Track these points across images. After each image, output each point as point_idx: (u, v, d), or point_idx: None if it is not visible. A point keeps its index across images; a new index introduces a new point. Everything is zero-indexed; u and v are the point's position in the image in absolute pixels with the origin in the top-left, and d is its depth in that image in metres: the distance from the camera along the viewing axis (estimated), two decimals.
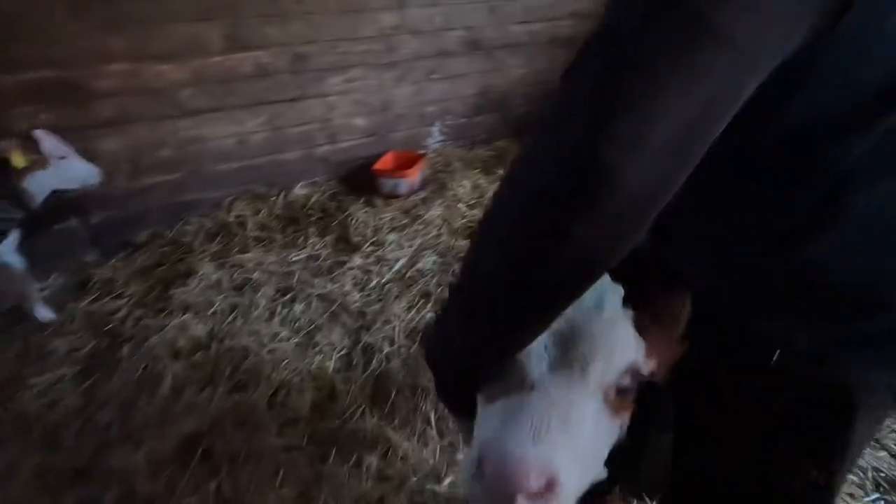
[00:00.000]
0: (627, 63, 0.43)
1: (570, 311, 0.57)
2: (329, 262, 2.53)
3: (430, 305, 2.17)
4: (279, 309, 2.15)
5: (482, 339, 0.57)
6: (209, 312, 2.13)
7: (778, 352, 0.59)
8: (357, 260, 2.48)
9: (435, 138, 3.80)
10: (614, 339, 0.61)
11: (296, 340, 1.98)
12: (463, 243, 2.64)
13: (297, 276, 2.37)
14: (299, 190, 3.27)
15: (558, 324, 0.59)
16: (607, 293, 0.63)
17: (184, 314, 2.11)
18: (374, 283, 2.34)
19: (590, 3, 3.94)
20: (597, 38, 0.48)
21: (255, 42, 2.91)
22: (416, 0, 3.33)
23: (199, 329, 2.01)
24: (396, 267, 2.44)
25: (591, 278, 0.52)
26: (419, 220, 2.84)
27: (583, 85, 0.47)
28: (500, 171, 3.43)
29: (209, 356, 1.87)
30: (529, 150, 0.52)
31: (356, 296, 2.25)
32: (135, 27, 2.61)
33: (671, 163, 0.45)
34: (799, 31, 0.43)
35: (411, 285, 2.32)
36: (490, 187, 3.24)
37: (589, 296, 0.59)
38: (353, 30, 3.19)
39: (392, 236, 2.67)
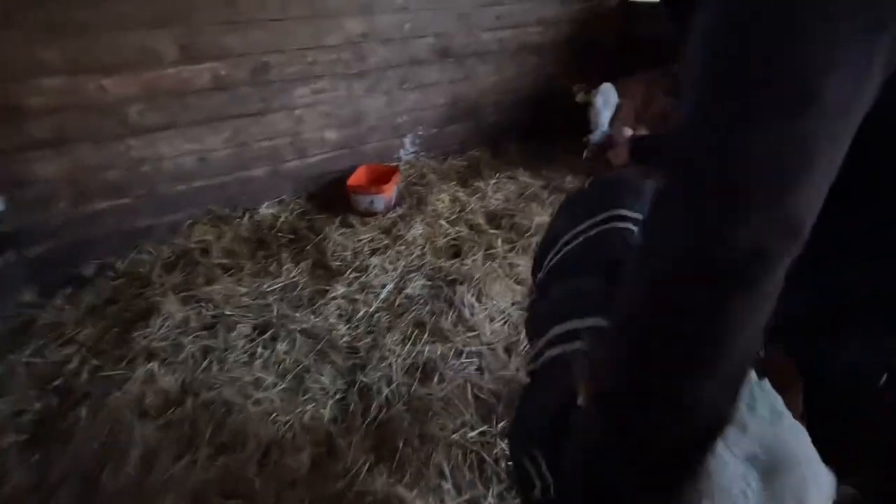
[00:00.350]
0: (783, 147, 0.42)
1: (751, 425, 0.46)
2: (308, 290, 2.33)
3: (425, 336, 2.02)
4: (259, 350, 1.94)
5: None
6: (179, 359, 1.89)
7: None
8: (340, 288, 2.30)
9: (407, 150, 3.65)
10: (811, 454, 0.50)
11: (283, 386, 1.78)
12: (449, 263, 2.51)
13: (275, 310, 2.17)
14: (266, 210, 3.04)
15: (745, 444, 0.47)
16: (762, 391, 0.52)
17: (149, 362, 1.87)
18: (361, 313, 2.16)
19: (556, 9, 3.91)
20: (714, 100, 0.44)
21: (212, 52, 2.67)
22: (384, 6, 3.17)
23: (169, 380, 1.78)
24: (383, 294, 2.28)
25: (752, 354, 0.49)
26: (400, 241, 2.69)
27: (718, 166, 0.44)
28: (477, 183, 3.33)
29: (184, 413, 1.64)
30: (662, 230, 0.48)
31: (343, 329, 2.08)
32: (73, 36, 2.32)
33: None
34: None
35: (402, 314, 2.16)
36: (469, 199, 3.13)
37: (754, 399, 0.48)
38: (319, 38, 3.00)
39: (375, 259, 2.50)
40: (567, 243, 1.07)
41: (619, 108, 3.17)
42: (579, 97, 3.25)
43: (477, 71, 3.74)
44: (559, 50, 4.02)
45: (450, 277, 2.38)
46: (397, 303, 2.23)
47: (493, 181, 3.37)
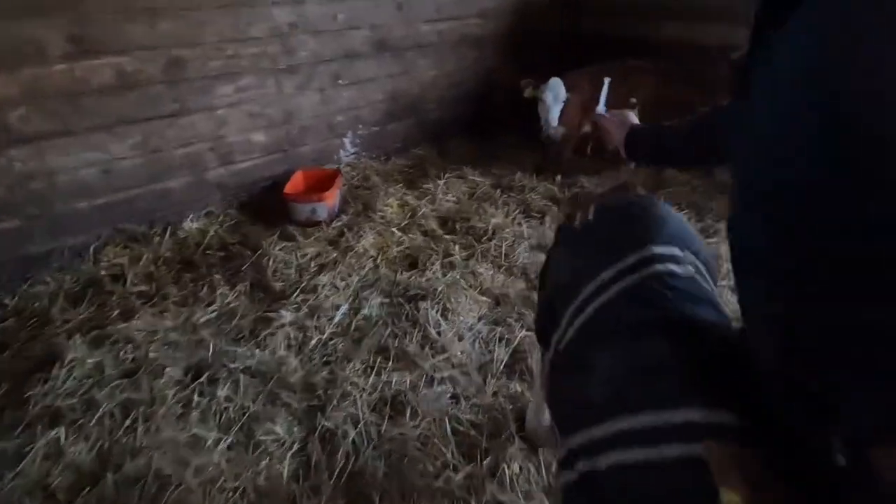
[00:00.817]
0: None
1: None
2: (249, 319, 2.04)
3: (390, 364, 1.81)
4: (195, 398, 1.64)
5: None
6: (92, 421, 1.55)
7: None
8: (286, 313, 2.03)
9: (348, 151, 3.38)
10: None
11: (228, 442, 1.50)
12: (406, 276, 2.30)
13: (210, 346, 1.86)
14: (190, 224, 2.67)
15: None
16: None
17: (52, 428, 1.52)
18: (314, 341, 1.91)
19: (497, 1, 3.77)
20: None
21: (113, 45, 2.27)
22: None
23: (80, 450, 1.45)
24: (338, 317, 2.04)
25: None
26: (350, 253, 2.44)
27: None
28: (426, 184, 3.13)
29: (103, 494, 1.33)
30: None
31: (295, 363, 1.82)
32: None
33: None
34: None
35: (361, 339, 1.94)
36: (419, 203, 2.93)
37: None
38: (241, 29, 2.66)
39: (324, 277, 2.24)
40: (596, 294, 0.88)
41: (567, 103, 3.09)
42: (527, 92, 3.14)
43: (417, 65, 3.53)
44: (500, 42, 3.89)
45: (410, 292, 2.18)
46: (354, 326, 2.00)
47: (442, 181, 3.18)
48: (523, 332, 1.96)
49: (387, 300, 2.15)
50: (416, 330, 1.96)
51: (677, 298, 0.82)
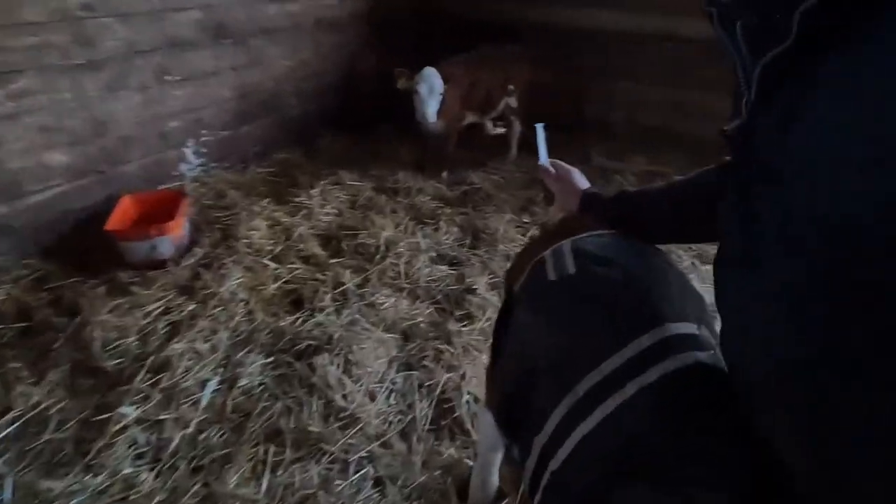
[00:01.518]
0: None
1: None
2: (72, 428, 1.46)
3: (287, 453, 1.40)
4: None
5: None
6: None
7: None
8: (128, 410, 1.48)
9: (191, 163, 2.75)
10: None
11: None
12: (290, 321, 1.87)
13: (9, 482, 1.27)
14: None
15: None
16: None
17: None
18: (175, 442, 1.41)
19: None
20: None
21: None
22: None
23: None
24: (205, 399, 1.55)
25: None
26: (212, 300, 1.92)
27: None
28: (297, 197, 2.66)
29: None
30: None
31: (149, 482, 1.31)
32: None
33: None
34: None
35: (243, 424, 1.48)
36: (292, 221, 2.46)
37: None
38: (7, 12, 1.92)
39: (179, 344, 1.71)
40: (602, 391, 0.63)
41: (445, 95, 2.82)
42: (401, 83, 2.79)
43: (266, 54, 2.98)
44: (361, 26, 3.47)
45: (299, 345, 1.75)
46: (231, 407, 1.53)
47: (316, 190, 2.73)
48: (444, 375, 1.66)
49: (270, 360, 1.70)
50: (315, 397, 1.56)
51: (719, 409, 0.59)
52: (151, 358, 1.65)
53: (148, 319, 1.81)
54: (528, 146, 3.42)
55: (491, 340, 0.97)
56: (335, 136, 3.45)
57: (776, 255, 0.50)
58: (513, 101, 3.18)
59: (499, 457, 1.18)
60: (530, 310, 0.81)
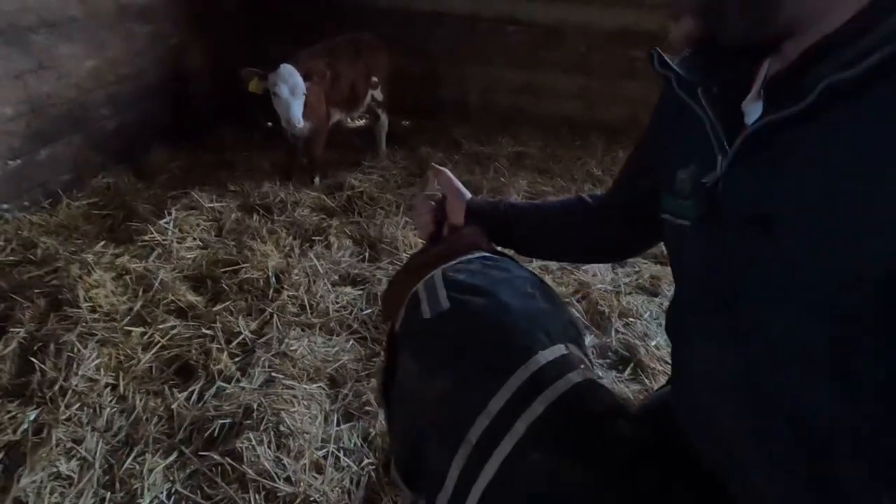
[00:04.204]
0: None
1: None
2: None
3: None
4: None
5: None
6: None
7: None
8: None
9: None
10: None
11: None
12: (182, 398, 1.49)
13: None
14: None
15: None
16: None
17: None
18: None
19: None
20: None
21: None
22: None
23: None
24: None
25: None
26: (63, 399, 1.43)
27: None
28: (144, 234, 2.15)
29: None
30: None
31: None
32: None
33: None
34: None
35: None
36: (146, 264, 1.98)
37: None
38: None
39: (32, 478, 1.24)
40: (493, 436, 0.62)
41: (307, 93, 2.52)
42: (253, 86, 2.41)
43: (59, 53, 2.32)
44: (177, 14, 2.90)
45: (207, 429, 1.40)
46: None
47: (167, 220, 2.25)
48: (382, 413, 1.49)
49: (173, 459, 1.33)
50: (252, 491, 1.27)
51: (610, 421, 0.65)
52: None
53: None
54: (398, 138, 3.31)
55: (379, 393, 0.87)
56: (168, 148, 2.89)
57: (769, 299, 0.52)
58: (378, 94, 2.98)
59: None
60: (411, 356, 0.78)
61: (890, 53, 0.43)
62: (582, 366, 0.70)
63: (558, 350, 0.69)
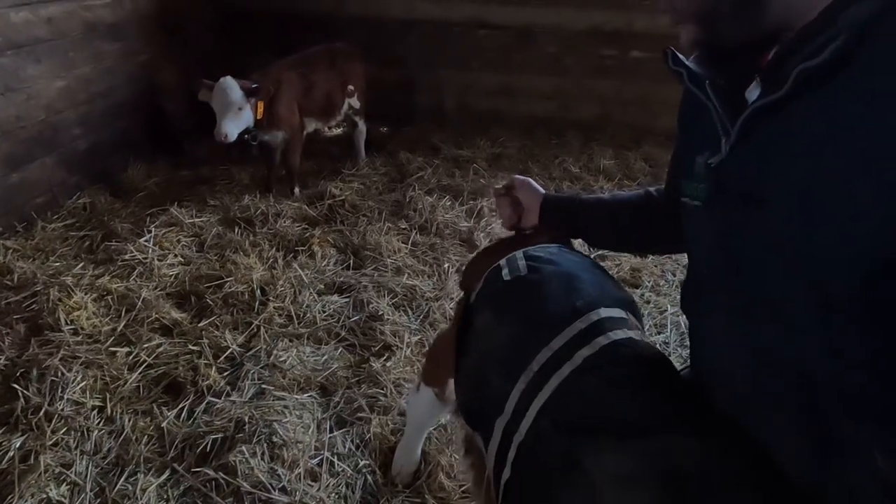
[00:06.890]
0: None
1: None
2: None
3: None
4: None
5: None
6: None
7: None
8: None
9: None
10: None
11: None
12: (172, 416, 1.48)
13: None
14: None
15: None
16: None
17: None
18: None
19: None
20: None
21: None
22: None
23: None
24: None
25: None
26: (50, 424, 1.41)
27: None
28: (124, 254, 2.12)
29: None
30: None
31: None
32: None
33: None
34: None
35: None
36: (126, 286, 1.95)
37: None
38: None
39: None
40: (554, 365, 0.70)
41: (278, 103, 2.51)
42: (202, 96, 2.39)
43: (26, 74, 2.28)
44: (146, 29, 2.87)
45: (198, 445, 1.39)
46: None
47: (147, 238, 2.22)
48: (375, 418, 1.50)
49: (166, 477, 1.32)
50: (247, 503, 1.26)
51: (656, 370, 0.72)
52: None
53: None
54: (377, 145, 3.32)
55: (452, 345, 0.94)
56: (145, 165, 2.85)
57: (766, 271, 0.57)
58: (355, 102, 2.98)
59: (424, 434, 1.36)
60: (487, 309, 0.88)
61: (847, 41, 0.47)
62: (639, 330, 0.78)
63: (619, 313, 0.78)
